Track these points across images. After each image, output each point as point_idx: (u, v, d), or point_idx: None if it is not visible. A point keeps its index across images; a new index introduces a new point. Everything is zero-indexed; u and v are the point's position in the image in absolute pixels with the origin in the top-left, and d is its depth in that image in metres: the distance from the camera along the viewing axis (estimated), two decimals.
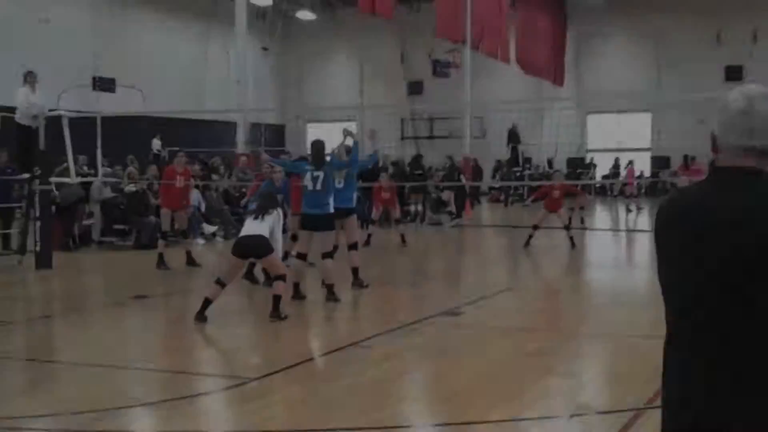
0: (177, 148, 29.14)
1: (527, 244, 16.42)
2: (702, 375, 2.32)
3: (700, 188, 2.43)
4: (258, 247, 9.44)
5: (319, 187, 10.55)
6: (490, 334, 8.82)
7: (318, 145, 11.06)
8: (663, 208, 2.49)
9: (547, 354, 7.88)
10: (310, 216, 10.61)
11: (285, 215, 11.08)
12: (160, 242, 14.18)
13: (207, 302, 9.31)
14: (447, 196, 23.40)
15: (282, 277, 9.44)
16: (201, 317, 9.23)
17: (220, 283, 9.38)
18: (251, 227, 9.53)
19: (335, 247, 11.09)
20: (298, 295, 10.62)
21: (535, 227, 16.51)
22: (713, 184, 2.37)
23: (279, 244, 9.95)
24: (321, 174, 10.56)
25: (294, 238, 11.95)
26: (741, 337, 2.28)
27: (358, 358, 7.83)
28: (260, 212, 9.58)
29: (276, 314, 9.35)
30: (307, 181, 10.60)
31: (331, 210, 10.70)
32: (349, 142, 12.06)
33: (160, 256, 13.93)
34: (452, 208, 23.12)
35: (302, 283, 10.80)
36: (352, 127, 16.12)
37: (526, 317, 10.15)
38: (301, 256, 10.79)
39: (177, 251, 14.51)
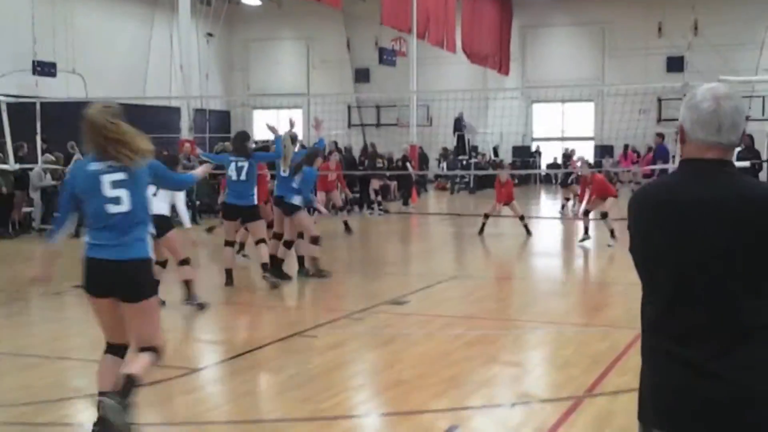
0: None
1: (481, 231, 16.66)
2: (690, 358, 2.44)
3: (674, 179, 2.59)
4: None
5: (243, 177, 10.57)
6: (435, 323, 8.88)
7: (241, 136, 11.06)
8: (639, 199, 2.62)
9: (490, 342, 7.96)
10: (234, 207, 10.66)
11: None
12: None
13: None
14: (375, 184, 22.85)
15: (186, 261, 9.33)
16: None
17: (159, 264, 9.30)
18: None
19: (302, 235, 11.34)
20: (230, 281, 10.76)
21: (487, 216, 16.79)
22: (686, 175, 2.54)
23: (185, 218, 10.00)
24: (245, 165, 10.57)
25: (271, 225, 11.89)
26: (729, 317, 2.41)
27: (302, 348, 7.82)
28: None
29: (191, 300, 9.27)
30: (231, 172, 10.62)
31: (255, 201, 10.82)
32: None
33: None
34: (378, 196, 22.77)
35: (234, 271, 10.98)
36: (297, 114, 15.99)
37: (470, 306, 10.24)
38: (229, 244, 10.93)
39: None
